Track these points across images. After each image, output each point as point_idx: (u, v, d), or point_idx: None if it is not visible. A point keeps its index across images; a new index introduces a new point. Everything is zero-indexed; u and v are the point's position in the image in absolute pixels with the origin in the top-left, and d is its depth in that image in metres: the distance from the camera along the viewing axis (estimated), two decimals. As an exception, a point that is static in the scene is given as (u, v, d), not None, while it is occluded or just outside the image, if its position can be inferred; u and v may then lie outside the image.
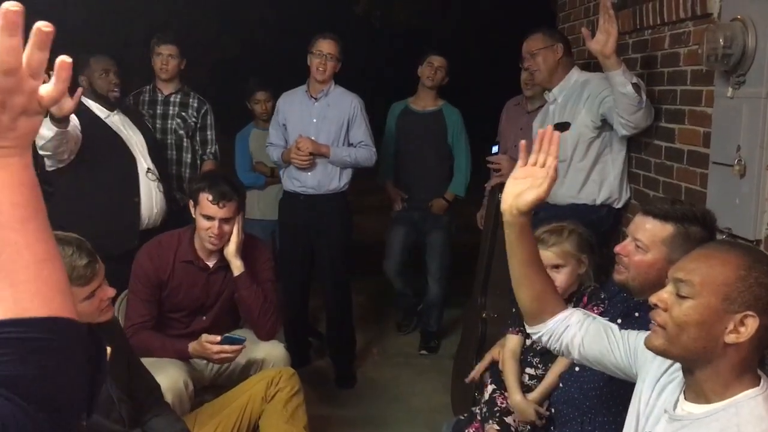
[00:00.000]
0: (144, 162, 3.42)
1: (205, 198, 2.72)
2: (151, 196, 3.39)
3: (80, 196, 3.20)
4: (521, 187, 1.63)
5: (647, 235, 1.84)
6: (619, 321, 1.91)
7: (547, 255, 2.29)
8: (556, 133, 1.65)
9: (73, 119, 3.08)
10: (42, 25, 0.72)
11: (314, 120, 3.86)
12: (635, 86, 2.63)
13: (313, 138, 3.81)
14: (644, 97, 2.67)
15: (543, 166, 1.63)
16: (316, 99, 3.87)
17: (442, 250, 4.43)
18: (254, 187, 4.45)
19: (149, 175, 3.40)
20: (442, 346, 4.53)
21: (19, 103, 0.73)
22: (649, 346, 1.41)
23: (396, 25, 10.04)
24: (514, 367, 2.48)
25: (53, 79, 0.77)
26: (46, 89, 0.76)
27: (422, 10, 10.18)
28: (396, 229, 4.48)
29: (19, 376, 0.66)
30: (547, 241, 2.34)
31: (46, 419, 0.67)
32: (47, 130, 2.91)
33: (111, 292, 2.07)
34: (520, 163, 1.68)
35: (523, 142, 1.71)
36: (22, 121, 0.73)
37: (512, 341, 2.53)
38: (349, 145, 3.89)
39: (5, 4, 0.70)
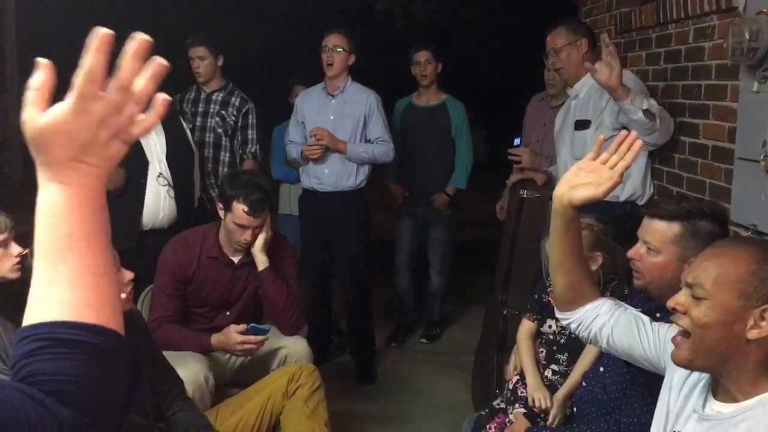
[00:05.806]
0: (157, 166, 3.38)
1: (240, 209, 2.69)
2: (158, 201, 3.37)
3: None
4: (581, 180, 1.62)
5: (656, 237, 1.84)
6: None
7: None
8: (639, 141, 1.62)
9: None
10: (162, 60, 0.75)
11: (331, 117, 3.87)
12: (646, 112, 2.61)
13: None
14: (658, 120, 2.66)
15: (612, 167, 1.60)
16: (333, 96, 3.88)
17: (444, 244, 4.54)
18: (286, 181, 4.49)
19: (159, 179, 3.37)
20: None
21: (119, 124, 0.75)
22: (675, 361, 1.39)
23: (417, 23, 10.04)
24: (530, 349, 2.55)
25: (151, 112, 0.78)
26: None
27: (443, 7, 10.17)
28: (402, 221, 4.56)
29: (70, 375, 0.69)
30: None
31: (82, 424, 0.69)
32: None
33: (128, 275, 2.03)
34: (590, 155, 1.65)
35: (601, 136, 1.70)
36: (114, 144, 0.76)
37: (526, 325, 2.61)
38: (367, 141, 3.89)
39: (141, 34, 0.73)
